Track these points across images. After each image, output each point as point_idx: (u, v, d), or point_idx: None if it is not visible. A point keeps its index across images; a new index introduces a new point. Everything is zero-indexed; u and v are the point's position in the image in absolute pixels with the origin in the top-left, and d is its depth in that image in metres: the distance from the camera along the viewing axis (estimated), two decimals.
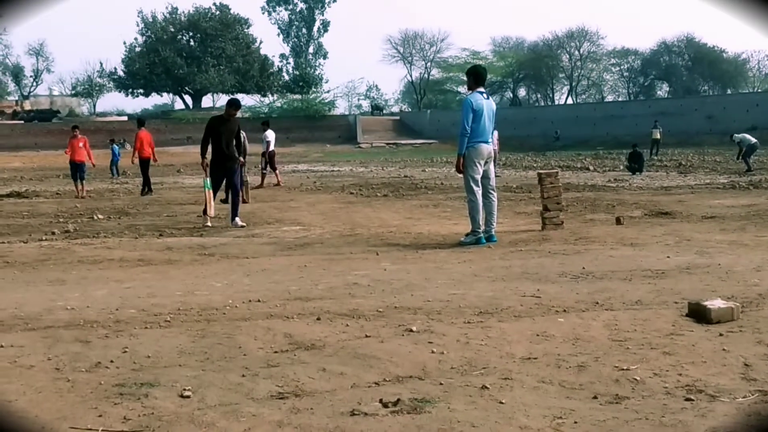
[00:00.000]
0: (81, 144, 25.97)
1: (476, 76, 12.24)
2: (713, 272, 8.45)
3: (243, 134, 24.70)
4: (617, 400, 4.56)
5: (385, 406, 4.42)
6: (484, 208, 11.82)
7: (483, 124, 11.81)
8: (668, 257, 9.54)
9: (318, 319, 6.59)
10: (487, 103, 11.92)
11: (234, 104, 15.94)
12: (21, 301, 7.60)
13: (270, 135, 27.86)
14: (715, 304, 6.33)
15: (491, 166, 12.06)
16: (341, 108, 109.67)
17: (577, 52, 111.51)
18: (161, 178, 34.27)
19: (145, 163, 26.10)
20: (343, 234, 13.48)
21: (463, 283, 8.23)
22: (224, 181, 15.98)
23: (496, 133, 31.10)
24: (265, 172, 28.10)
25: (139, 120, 29.64)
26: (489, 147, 11.93)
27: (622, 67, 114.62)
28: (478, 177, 11.84)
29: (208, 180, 15.54)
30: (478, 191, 11.78)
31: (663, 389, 4.72)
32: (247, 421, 4.27)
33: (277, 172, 29.04)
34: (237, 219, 15.30)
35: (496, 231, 11.87)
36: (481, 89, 12.04)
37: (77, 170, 25.34)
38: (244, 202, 22.71)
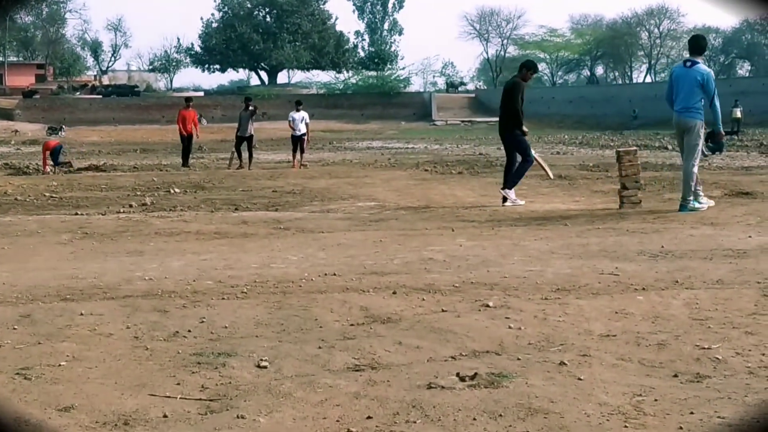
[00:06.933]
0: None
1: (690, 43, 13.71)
2: None
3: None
4: (698, 378, 4.48)
5: (462, 380, 4.40)
6: None
7: (676, 94, 12.55)
8: (750, 237, 9.31)
9: (394, 293, 6.58)
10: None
11: (532, 67, 14.51)
12: (100, 271, 7.71)
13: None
14: None
15: (688, 136, 12.25)
16: (416, 85, 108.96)
17: (656, 30, 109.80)
18: None
19: (185, 139, 27.14)
20: (417, 210, 13.43)
21: (540, 260, 8.13)
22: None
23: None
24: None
25: (186, 98, 31.26)
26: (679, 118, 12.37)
27: None
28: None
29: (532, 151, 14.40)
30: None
31: (745, 369, 4.63)
32: (323, 392, 4.29)
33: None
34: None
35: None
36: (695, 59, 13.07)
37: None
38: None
